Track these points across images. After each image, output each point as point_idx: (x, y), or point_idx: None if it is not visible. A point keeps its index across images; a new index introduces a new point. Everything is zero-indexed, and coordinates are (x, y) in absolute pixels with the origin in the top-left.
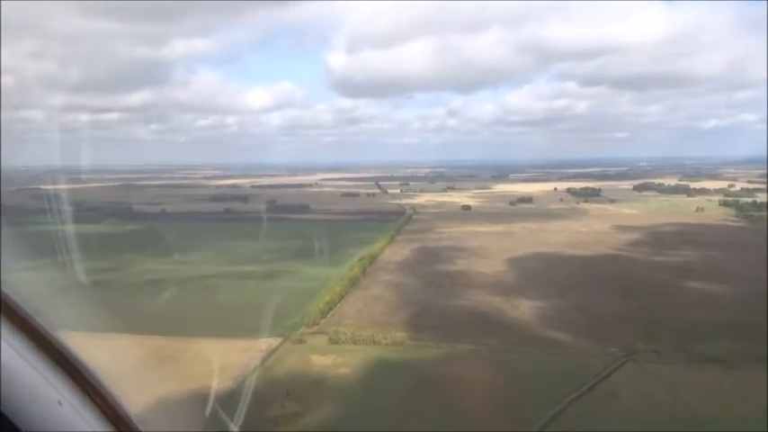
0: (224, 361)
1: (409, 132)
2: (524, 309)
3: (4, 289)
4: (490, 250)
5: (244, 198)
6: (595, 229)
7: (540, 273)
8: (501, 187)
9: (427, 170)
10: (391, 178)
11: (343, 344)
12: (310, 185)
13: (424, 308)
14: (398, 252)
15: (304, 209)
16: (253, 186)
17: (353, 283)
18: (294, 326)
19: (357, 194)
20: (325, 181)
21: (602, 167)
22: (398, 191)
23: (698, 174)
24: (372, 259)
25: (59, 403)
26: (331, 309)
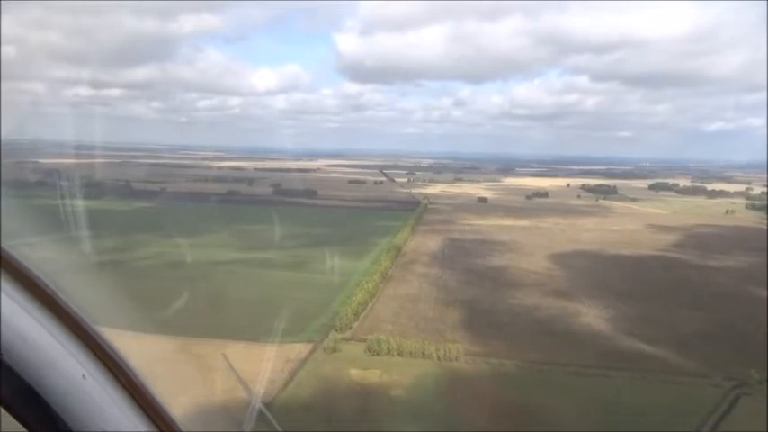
0: (245, 371)
1: (412, 122)
2: (590, 317)
3: (30, 266)
4: (525, 246)
5: (248, 180)
6: (629, 228)
7: (592, 274)
8: (511, 181)
9: (430, 161)
10: (395, 167)
11: (386, 355)
12: (314, 171)
13: (472, 311)
14: (424, 244)
15: (312, 194)
16: (256, 169)
17: (383, 278)
18: (323, 328)
19: (364, 182)
20: (328, 167)
21: (606, 166)
22: (406, 180)
23: (707, 176)
24: (398, 251)
25: (84, 377)
26: (363, 309)
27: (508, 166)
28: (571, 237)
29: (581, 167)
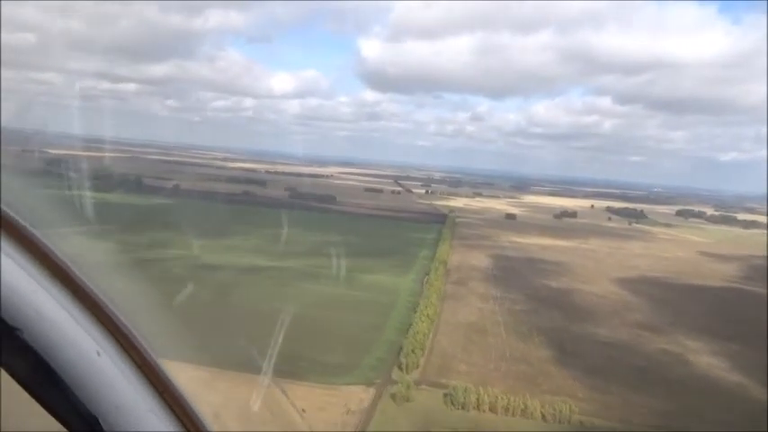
0: (292, 423)
1: (425, 135)
2: (703, 365)
3: (46, 241)
4: (579, 268)
5: (261, 182)
6: (680, 256)
7: (673, 307)
8: (531, 198)
9: (442, 174)
10: (408, 178)
11: (474, 410)
12: (327, 177)
13: (557, 350)
14: (467, 261)
15: (330, 199)
16: (268, 172)
17: (440, 301)
18: (379, 364)
19: (381, 191)
20: (341, 174)
21: (619, 189)
22: (423, 191)
23: (725, 205)
24: (444, 267)
25: (98, 354)
26: (425, 340)
27: (520, 184)
28: (622, 261)
29: (591, 189)
